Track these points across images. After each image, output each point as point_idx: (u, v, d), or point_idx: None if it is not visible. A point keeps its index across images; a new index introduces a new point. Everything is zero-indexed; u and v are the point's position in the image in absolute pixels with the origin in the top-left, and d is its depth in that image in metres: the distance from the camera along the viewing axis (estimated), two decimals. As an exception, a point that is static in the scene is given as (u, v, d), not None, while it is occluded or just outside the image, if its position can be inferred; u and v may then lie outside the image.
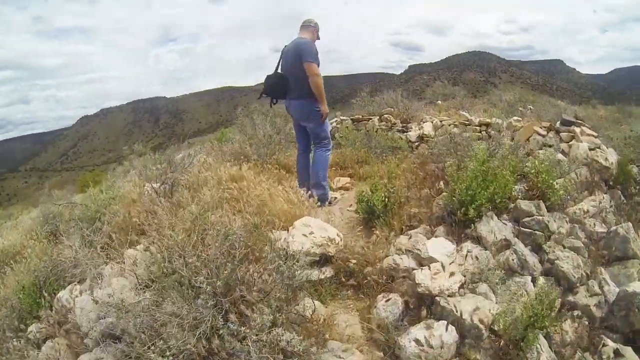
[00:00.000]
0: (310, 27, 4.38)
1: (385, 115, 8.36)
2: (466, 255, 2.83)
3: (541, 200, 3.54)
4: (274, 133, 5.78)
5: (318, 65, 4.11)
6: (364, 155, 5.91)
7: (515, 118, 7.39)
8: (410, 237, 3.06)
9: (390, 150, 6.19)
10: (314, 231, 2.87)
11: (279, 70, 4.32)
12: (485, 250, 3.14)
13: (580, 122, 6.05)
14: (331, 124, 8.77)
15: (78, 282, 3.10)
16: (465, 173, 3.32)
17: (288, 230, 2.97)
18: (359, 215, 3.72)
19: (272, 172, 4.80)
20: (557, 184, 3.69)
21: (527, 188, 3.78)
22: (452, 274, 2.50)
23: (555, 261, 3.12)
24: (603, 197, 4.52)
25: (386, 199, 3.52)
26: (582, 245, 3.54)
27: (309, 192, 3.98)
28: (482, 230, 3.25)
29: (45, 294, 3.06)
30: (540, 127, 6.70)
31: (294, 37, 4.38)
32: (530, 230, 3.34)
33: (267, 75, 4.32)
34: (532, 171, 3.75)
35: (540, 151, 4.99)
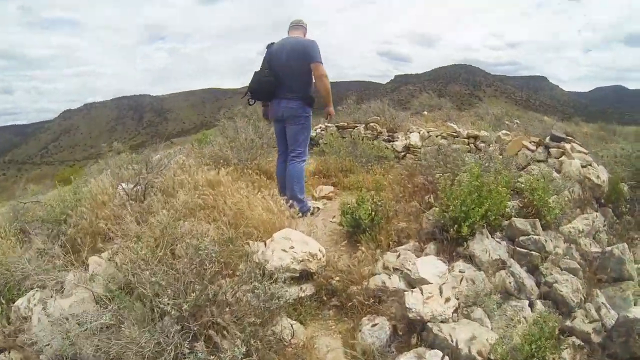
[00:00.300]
0: (302, 27, 4.30)
1: (371, 124, 8.26)
2: (461, 279, 2.66)
3: (537, 219, 3.41)
4: (256, 137, 5.57)
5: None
6: (348, 164, 5.75)
7: (503, 132, 7.38)
8: (399, 255, 2.88)
9: (376, 160, 6.05)
10: (295, 245, 2.66)
11: (265, 69, 4.11)
12: (479, 270, 2.99)
13: (570, 138, 6.03)
14: (315, 130, 8.61)
15: (39, 289, 2.83)
16: (458, 188, 3.17)
17: (266, 244, 2.76)
18: (343, 227, 3.53)
19: (252, 177, 4.59)
20: (552, 201, 3.58)
21: (521, 205, 3.67)
22: (447, 299, 2.32)
23: (554, 284, 2.98)
24: (596, 216, 4.45)
25: (373, 213, 3.34)
26: (579, 266, 3.44)
27: (289, 202, 3.81)
28: (475, 249, 3.10)
29: (3, 301, 2.82)
30: (529, 142, 6.67)
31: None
32: (526, 251, 3.21)
33: (257, 73, 4.12)
34: (527, 188, 3.63)
35: (533, 167, 4.91)
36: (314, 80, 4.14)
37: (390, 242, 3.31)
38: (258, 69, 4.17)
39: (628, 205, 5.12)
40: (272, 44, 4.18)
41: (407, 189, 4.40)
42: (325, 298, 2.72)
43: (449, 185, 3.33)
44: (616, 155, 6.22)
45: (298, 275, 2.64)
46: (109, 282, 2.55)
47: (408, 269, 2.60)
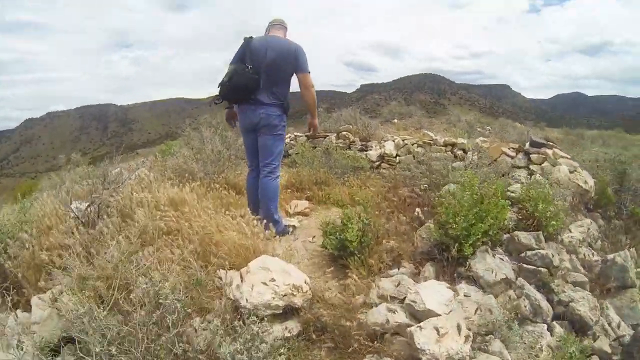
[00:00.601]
0: (284, 28, 3.93)
1: (344, 133, 7.97)
2: (476, 310, 2.35)
3: (539, 232, 3.18)
4: (223, 148, 5.16)
5: None
6: (323, 175, 5.41)
7: (481, 139, 7.26)
8: (399, 284, 2.55)
9: (352, 171, 5.75)
10: (275, 277, 2.27)
11: (248, 65, 3.62)
12: (484, 291, 2.72)
13: (551, 144, 5.95)
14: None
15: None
16: (457, 202, 2.88)
17: (241, 275, 2.36)
18: (327, 250, 3.17)
19: (220, 193, 4.18)
20: (550, 211, 3.37)
21: (520, 217, 3.44)
22: (465, 337, 2.00)
23: (570, 304, 2.75)
24: (590, 222, 4.31)
25: (361, 233, 3.00)
26: (586, 279, 3.25)
27: (264, 222, 3.38)
28: (479, 268, 2.82)
29: None
30: (509, 148, 6.59)
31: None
32: (533, 267, 2.96)
33: (236, 71, 3.59)
34: (525, 197, 3.42)
35: (519, 174, 4.73)
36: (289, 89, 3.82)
37: (381, 265, 2.99)
38: (230, 65, 3.69)
39: (615, 210, 5.05)
40: (251, 38, 3.71)
41: (392, 203, 4.11)
42: (314, 336, 2.34)
43: (446, 199, 3.03)
44: (597, 159, 6.18)
45: (281, 311, 2.25)
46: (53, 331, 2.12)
47: (412, 301, 2.27)
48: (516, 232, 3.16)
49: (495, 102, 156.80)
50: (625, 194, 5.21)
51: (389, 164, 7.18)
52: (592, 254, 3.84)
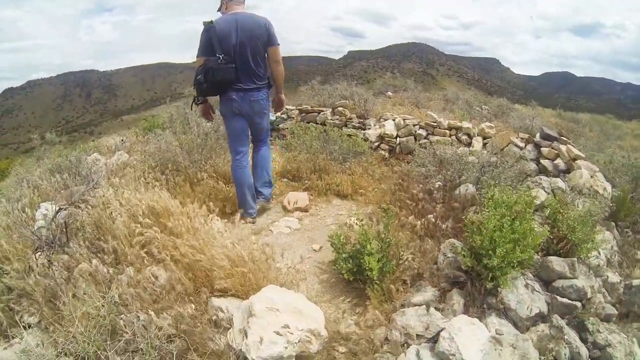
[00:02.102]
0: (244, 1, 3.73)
1: (339, 108, 7.51)
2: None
3: (574, 258, 2.88)
4: (211, 130, 4.66)
5: None
6: (322, 162, 4.99)
7: (487, 124, 6.92)
8: (425, 318, 2.23)
9: (354, 156, 5.34)
10: (286, 320, 1.90)
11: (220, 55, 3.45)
12: (516, 326, 2.44)
13: (564, 138, 5.63)
14: (275, 114, 7.77)
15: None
16: (495, 228, 2.52)
17: (245, 312, 1.98)
18: (337, 267, 2.80)
19: (209, 185, 3.78)
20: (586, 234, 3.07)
21: (551, 236, 3.13)
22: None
23: (607, 348, 2.48)
24: (613, 238, 4.06)
25: (384, 257, 2.63)
26: (615, 311, 3.00)
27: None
28: (511, 300, 2.53)
29: None
30: (517, 138, 6.28)
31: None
32: (568, 301, 2.67)
33: (209, 67, 3.41)
34: (556, 215, 3.11)
35: (541, 179, 4.38)
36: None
37: (400, 288, 2.65)
38: (197, 58, 3.53)
39: (631, 221, 4.81)
40: (212, 22, 3.46)
41: (403, 204, 3.76)
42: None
43: (481, 222, 2.65)
44: (612, 161, 5.90)
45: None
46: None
47: (448, 351, 1.95)
48: (550, 258, 2.86)
49: (483, 75, 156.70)
50: (640, 203, 4.95)
51: (389, 145, 6.81)
52: (610, 276, 3.61)
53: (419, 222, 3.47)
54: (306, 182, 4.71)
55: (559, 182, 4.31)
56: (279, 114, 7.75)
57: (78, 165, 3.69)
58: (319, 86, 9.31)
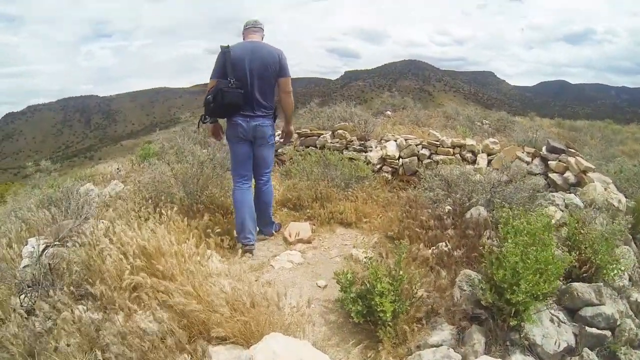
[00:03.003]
0: (260, 30, 3.84)
1: (339, 131, 7.34)
2: None
3: (601, 284, 2.68)
4: (206, 158, 4.51)
5: None
6: (324, 189, 4.81)
7: (491, 140, 6.76)
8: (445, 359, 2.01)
9: (356, 181, 5.16)
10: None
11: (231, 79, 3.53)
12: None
13: (573, 150, 5.46)
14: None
15: None
16: (519, 260, 2.31)
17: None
18: (346, 307, 2.59)
19: (204, 220, 3.61)
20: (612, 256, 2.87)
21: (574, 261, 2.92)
22: None
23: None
24: (632, 252, 3.83)
25: (396, 298, 2.42)
26: (646, 338, 2.77)
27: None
28: (536, 334, 2.33)
29: None
30: (523, 152, 6.12)
31: (236, 39, 3.81)
32: (597, 331, 2.46)
33: (220, 89, 3.46)
34: (581, 237, 2.90)
35: (555, 197, 4.18)
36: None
37: (413, 327, 2.44)
38: (210, 79, 3.63)
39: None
40: (228, 47, 3.58)
41: (416, 234, 3.57)
42: None
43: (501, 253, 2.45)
44: (622, 170, 5.72)
45: None
46: None
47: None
48: (574, 285, 2.65)
49: (480, 88, 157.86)
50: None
51: (391, 167, 6.65)
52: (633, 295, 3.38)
53: (430, 252, 3.28)
54: (308, 211, 4.53)
55: (573, 198, 4.11)
56: (277, 137, 7.65)
57: (69, 197, 3.53)
58: (317, 108, 9.20)
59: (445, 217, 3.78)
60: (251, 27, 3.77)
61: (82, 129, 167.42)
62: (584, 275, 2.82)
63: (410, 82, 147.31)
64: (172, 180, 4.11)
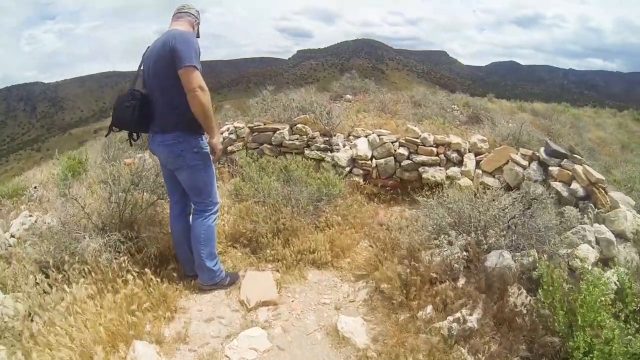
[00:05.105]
0: (186, 14, 3.03)
1: (299, 125, 6.23)
2: None
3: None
4: (129, 186, 3.28)
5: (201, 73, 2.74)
6: (287, 216, 3.70)
7: (479, 138, 5.92)
8: None
9: (327, 200, 4.09)
10: None
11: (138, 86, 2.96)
12: None
13: (577, 156, 4.66)
14: (221, 134, 6.44)
15: None
16: None
17: None
18: None
19: (129, 289, 2.46)
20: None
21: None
22: None
23: None
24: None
25: None
26: None
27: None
28: None
29: None
30: (518, 154, 5.33)
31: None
32: None
33: (118, 97, 2.89)
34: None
35: (586, 229, 3.30)
36: None
37: None
38: None
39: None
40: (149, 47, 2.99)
41: (417, 286, 2.58)
42: None
43: None
44: (630, 179, 4.99)
45: None
46: None
47: None
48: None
49: (433, 67, 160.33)
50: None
51: (363, 169, 5.70)
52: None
53: (447, 324, 2.32)
54: (268, 251, 3.41)
55: (605, 232, 3.24)
56: (226, 133, 6.45)
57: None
58: (271, 97, 7.98)
59: (455, 263, 2.81)
60: (176, 14, 3.03)
61: (28, 119, 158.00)
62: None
63: (363, 60, 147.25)
64: (84, 223, 2.88)
